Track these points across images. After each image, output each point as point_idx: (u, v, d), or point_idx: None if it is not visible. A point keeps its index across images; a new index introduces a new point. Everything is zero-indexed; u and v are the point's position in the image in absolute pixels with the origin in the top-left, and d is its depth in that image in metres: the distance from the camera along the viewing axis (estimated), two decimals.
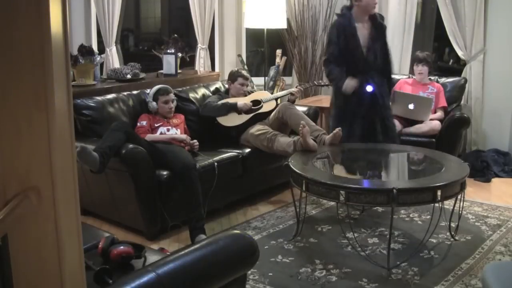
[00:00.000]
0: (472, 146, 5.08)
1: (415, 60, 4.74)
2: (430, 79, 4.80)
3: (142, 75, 4.54)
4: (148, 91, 4.02)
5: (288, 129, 4.11)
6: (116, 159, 3.20)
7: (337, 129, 3.71)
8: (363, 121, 3.86)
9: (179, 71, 4.84)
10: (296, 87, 4.43)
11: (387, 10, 5.28)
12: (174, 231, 3.49)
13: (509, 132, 4.99)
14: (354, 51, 3.81)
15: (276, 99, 4.36)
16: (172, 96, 3.93)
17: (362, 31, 3.83)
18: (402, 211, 3.77)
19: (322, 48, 5.68)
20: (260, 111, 4.21)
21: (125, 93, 4.03)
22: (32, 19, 1.00)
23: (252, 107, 4.20)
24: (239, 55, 5.70)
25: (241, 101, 4.15)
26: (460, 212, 3.29)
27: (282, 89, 5.53)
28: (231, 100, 4.20)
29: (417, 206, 3.68)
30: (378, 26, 3.86)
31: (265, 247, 3.23)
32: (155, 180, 3.34)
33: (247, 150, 3.97)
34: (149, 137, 3.64)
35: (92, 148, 3.13)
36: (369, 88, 3.82)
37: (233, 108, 4.12)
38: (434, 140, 4.38)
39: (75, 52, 4.12)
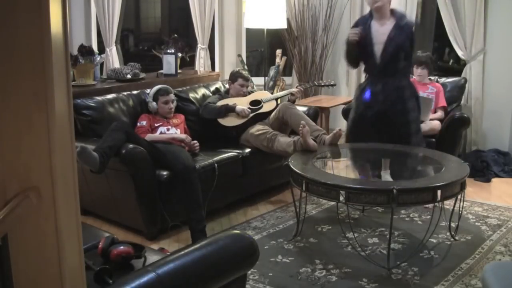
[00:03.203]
0: (472, 146, 5.08)
1: (415, 62, 4.73)
2: (430, 79, 4.80)
3: (142, 75, 4.54)
4: (148, 91, 4.02)
5: (288, 129, 4.11)
6: (116, 159, 3.20)
7: (337, 129, 3.72)
8: (373, 128, 3.80)
9: (179, 71, 4.84)
10: (296, 87, 4.43)
11: None
12: (174, 231, 3.49)
13: (509, 132, 4.99)
14: (365, 49, 3.76)
15: (276, 99, 4.36)
16: (172, 96, 3.92)
17: (380, 31, 3.72)
18: (402, 211, 3.77)
19: (322, 48, 5.68)
20: (260, 111, 4.21)
21: (125, 93, 4.03)
22: (32, 19, 1.00)
23: (252, 107, 4.20)
24: (239, 55, 5.70)
25: (241, 106, 4.14)
26: (460, 212, 3.29)
27: (282, 89, 5.53)
28: (231, 101, 4.19)
29: (417, 206, 3.68)
30: (400, 27, 3.68)
31: (265, 247, 3.23)
32: (155, 180, 3.34)
33: (247, 150, 3.97)
34: (149, 137, 3.64)
35: (92, 148, 3.13)
36: (367, 94, 3.79)
37: (232, 111, 4.12)
38: (434, 140, 4.37)
39: (75, 52, 4.12)
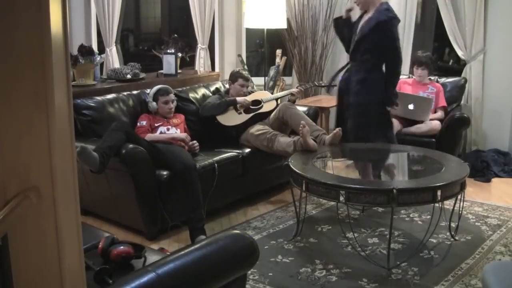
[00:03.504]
0: (472, 146, 5.08)
1: (415, 62, 4.74)
2: (430, 79, 4.81)
3: (142, 75, 4.54)
4: (148, 91, 4.02)
5: (288, 129, 4.11)
6: (116, 159, 3.20)
7: (337, 129, 3.72)
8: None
9: (179, 71, 4.84)
10: (297, 87, 4.43)
11: None
12: (174, 231, 3.49)
13: (509, 132, 4.99)
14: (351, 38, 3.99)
15: (276, 99, 4.36)
16: (172, 96, 3.92)
17: (359, 22, 3.92)
18: (402, 211, 3.77)
19: (322, 48, 5.68)
20: (260, 111, 4.21)
21: (125, 93, 4.03)
22: (32, 19, 1.00)
23: (252, 107, 4.20)
24: (239, 55, 5.70)
25: (241, 98, 4.18)
26: (460, 212, 3.29)
27: (282, 89, 5.53)
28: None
29: (417, 206, 3.68)
30: (370, 20, 3.80)
31: (265, 247, 3.23)
32: (155, 180, 3.34)
33: (247, 150, 3.97)
34: (149, 136, 3.64)
35: (92, 148, 3.13)
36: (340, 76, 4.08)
37: (232, 103, 4.12)
38: (434, 140, 4.38)
39: (75, 52, 4.12)
